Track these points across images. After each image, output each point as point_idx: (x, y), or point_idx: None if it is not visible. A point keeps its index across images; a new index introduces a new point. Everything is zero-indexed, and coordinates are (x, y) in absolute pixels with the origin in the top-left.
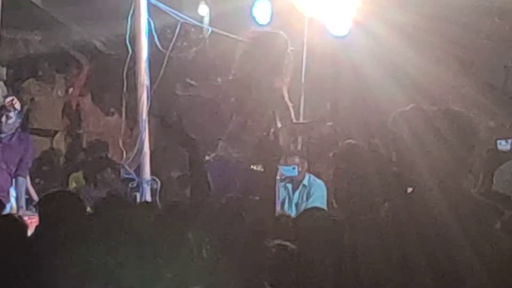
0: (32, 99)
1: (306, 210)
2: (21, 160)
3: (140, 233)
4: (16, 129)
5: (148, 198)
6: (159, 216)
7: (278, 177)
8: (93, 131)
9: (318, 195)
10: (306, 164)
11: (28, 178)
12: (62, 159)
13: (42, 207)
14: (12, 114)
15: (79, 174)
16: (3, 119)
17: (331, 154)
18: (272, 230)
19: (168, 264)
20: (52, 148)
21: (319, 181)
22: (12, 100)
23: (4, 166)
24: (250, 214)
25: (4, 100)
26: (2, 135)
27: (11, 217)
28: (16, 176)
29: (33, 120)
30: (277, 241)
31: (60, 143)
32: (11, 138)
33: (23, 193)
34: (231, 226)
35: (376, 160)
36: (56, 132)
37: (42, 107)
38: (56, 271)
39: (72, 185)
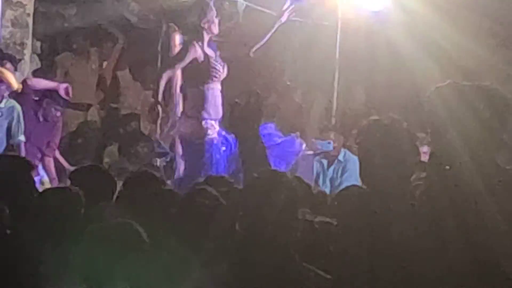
0: (66, 73)
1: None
2: (49, 140)
3: (167, 210)
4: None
5: (182, 172)
6: (189, 194)
7: (311, 152)
8: (131, 105)
9: (353, 171)
10: (341, 139)
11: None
12: (96, 133)
13: (72, 182)
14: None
15: (113, 148)
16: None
17: (355, 131)
18: (307, 205)
19: (199, 240)
20: (87, 122)
21: (354, 157)
22: (67, 87)
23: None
24: (284, 189)
25: (58, 85)
26: (40, 115)
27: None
28: (43, 155)
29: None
30: (310, 216)
31: (94, 116)
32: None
33: (53, 170)
34: (265, 200)
35: (405, 137)
36: (90, 105)
37: (76, 81)
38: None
39: (106, 159)
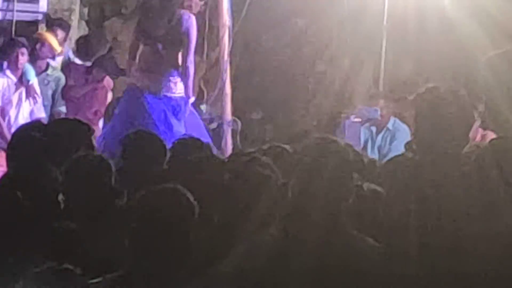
0: (114, 38)
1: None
2: (97, 108)
3: (214, 177)
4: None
5: (229, 139)
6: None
7: (359, 120)
8: None
9: (402, 139)
10: (391, 107)
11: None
12: None
13: (122, 146)
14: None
15: None
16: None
17: (411, 97)
18: (358, 172)
19: (248, 203)
20: None
21: (404, 126)
22: None
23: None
24: (336, 156)
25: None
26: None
27: None
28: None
29: (116, 59)
30: (360, 184)
31: None
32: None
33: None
34: (317, 168)
35: (458, 105)
36: None
37: (125, 47)
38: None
39: None
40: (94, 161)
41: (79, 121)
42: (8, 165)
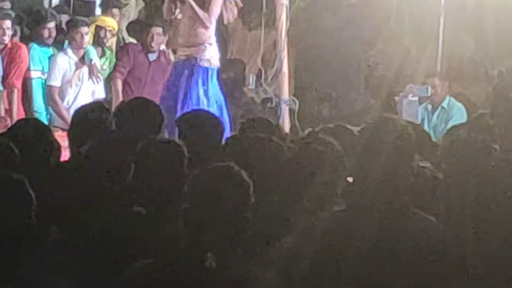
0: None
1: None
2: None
3: (278, 155)
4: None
5: (287, 118)
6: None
7: (416, 98)
8: (238, 49)
9: (458, 118)
10: (446, 86)
11: None
12: None
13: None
14: (159, 30)
15: None
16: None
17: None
18: (418, 152)
19: (306, 182)
20: None
21: (459, 104)
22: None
23: (152, 87)
24: (398, 135)
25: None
26: (150, 55)
27: None
28: None
29: (178, 38)
30: (421, 163)
31: None
32: (158, 58)
33: None
34: (376, 147)
35: None
36: None
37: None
38: None
39: None
40: (166, 146)
41: (151, 102)
42: (71, 147)
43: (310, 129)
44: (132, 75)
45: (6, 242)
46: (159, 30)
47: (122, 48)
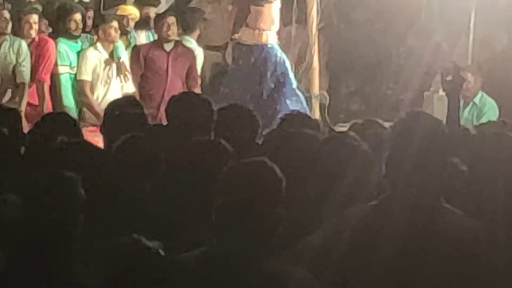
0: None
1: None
2: (188, 71)
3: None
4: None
5: (317, 113)
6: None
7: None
8: None
9: (489, 115)
10: (479, 81)
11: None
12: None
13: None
14: (173, 20)
15: None
16: (169, 25)
17: None
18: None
19: (341, 179)
20: (225, 62)
21: (491, 101)
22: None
23: (175, 77)
24: (421, 128)
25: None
26: (166, 45)
27: None
28: (188, 88)
29: (205, 38)
30: (453, 158)
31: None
32: (175, 48)
33: None
34: (408, 143)
35: None
36: (227, 44)
37: (212, 24)
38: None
39: None
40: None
41: (206, 100)
42: (104, 141)
43: (342, 124)
44: (151, 69)
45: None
46: (173, 19)
47: (131, 52)
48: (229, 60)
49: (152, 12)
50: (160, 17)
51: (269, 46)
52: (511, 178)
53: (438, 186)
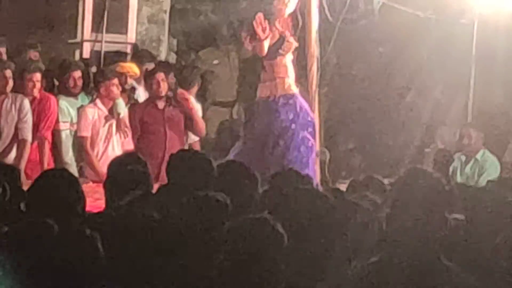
0: (207, 71)
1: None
2: (187, 122)
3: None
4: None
5: (317, 170)
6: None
7: (448, 150)
8: None
9: (491, 172)
10: (481, 137)
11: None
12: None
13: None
14: (163, 76)
15: None
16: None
17: None
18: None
19: (339, 233)
20: (232, 118)
21: (493, 157)
22: None
23: (174, 135)
24: (421, 186)
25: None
26: (159, 102)
27: None
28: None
29: (212, 92)
30: (454, 215)
31: (236, 114)
32: (168, 103)
33: None
34: (407, 199)
35: None
36: (234, 102)
37: (219, 78)
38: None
39: None
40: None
41: (202, 155)
42: (107, 198)
43: (342, 181)
44: (148, 131)
45: None
46: (162, 76)
47: (129, 112)
48: (236, 116)
49: (151, 67)
50: (149, 74)
51: (290, 94)
52: (509, 234)
53: (438, 242)
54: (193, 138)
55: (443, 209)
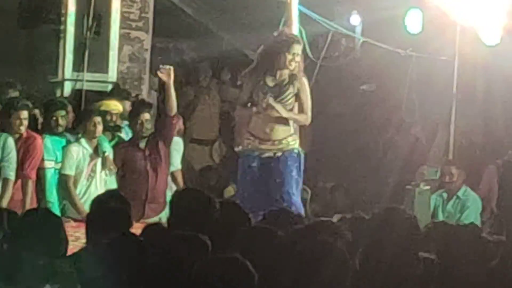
0: (187, 107)
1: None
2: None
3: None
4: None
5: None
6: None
7: (428, 187)
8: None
9: (473, 209)
10: (463, 175)
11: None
12: (214, 174)
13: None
14: (148, 116)
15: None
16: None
17: (492, 167)
18: (420, 242)
19: (314, 274)
20: (211, 157)
21: (475, 195)
22: None
23: (156, 174)
24: (397, 226)
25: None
26: (141, 142)
27: None
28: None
29: (192, 130)
30: (424, 254)
31: (216, 152)
32: (150, 143)
33: None
34: (379, 238)
35: None
36: (214, 141)
37: (200, 116)
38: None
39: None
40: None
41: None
42: (88, 236)
43: (318, 219)
44: (131, 171)
45: None
46: (147, 116)
47: (113, 151)
48: (215, 157)
49: (127, 105)
50: (134, 113)
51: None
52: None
53: (411, 280)
54: (175, 166)
55: (416, 247)
